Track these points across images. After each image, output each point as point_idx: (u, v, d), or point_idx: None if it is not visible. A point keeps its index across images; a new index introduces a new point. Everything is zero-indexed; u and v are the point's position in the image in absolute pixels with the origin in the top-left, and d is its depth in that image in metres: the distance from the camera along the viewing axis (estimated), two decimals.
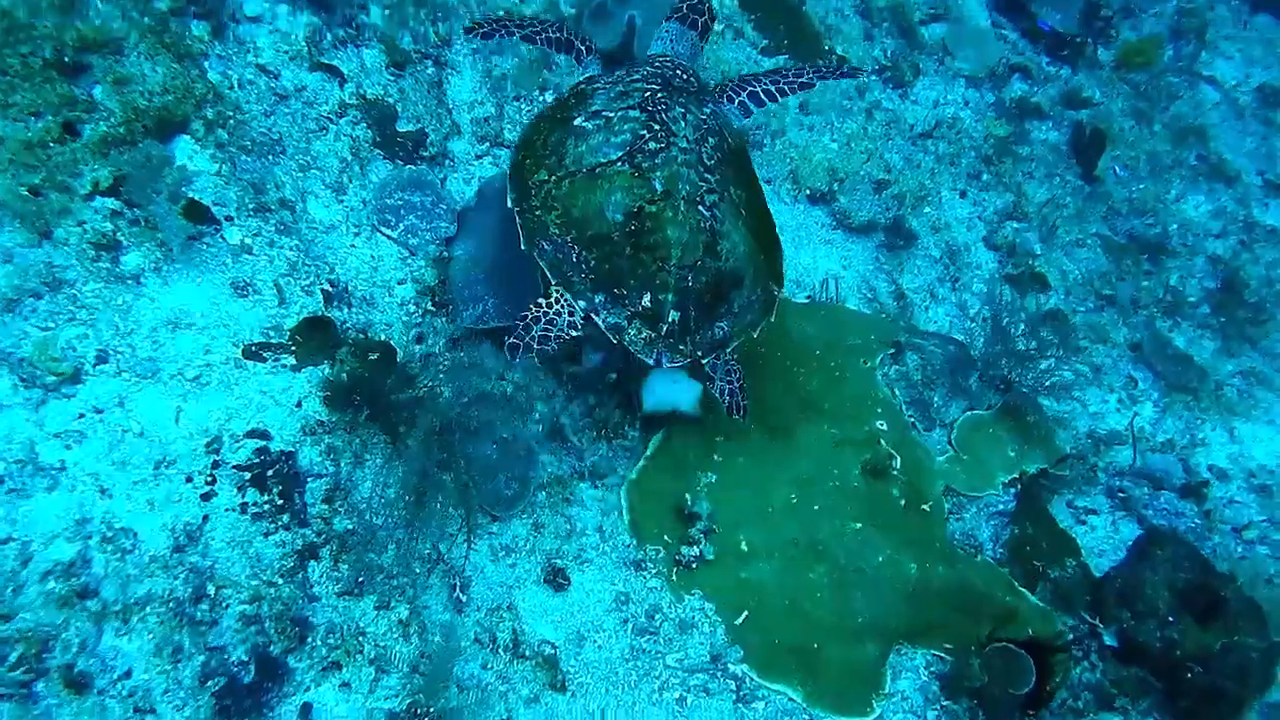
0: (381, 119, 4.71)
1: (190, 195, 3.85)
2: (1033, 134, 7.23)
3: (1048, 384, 5.24)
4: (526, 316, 3.54)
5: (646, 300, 3.51)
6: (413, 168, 4.67)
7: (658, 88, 3.85)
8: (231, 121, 4.16)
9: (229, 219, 3.96)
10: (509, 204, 3.71)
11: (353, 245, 4.34)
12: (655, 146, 3.62)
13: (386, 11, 4.96)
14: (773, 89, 4.42)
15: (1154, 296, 6.64)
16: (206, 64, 4.21)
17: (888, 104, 6.71)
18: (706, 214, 3.60)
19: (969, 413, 5.20)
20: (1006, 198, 6.65)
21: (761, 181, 6.02)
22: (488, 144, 5.08)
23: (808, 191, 6.11)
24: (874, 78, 6.81)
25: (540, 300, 3.60)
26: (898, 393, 5.20)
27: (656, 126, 3.67)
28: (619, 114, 3.73)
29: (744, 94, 4.35)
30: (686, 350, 3.59)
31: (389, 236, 4.45)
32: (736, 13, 6.55)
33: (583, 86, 4.03)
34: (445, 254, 4.51)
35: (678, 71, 4.09)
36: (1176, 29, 9.23)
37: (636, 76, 3.97)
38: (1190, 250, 7.02)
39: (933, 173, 6.49)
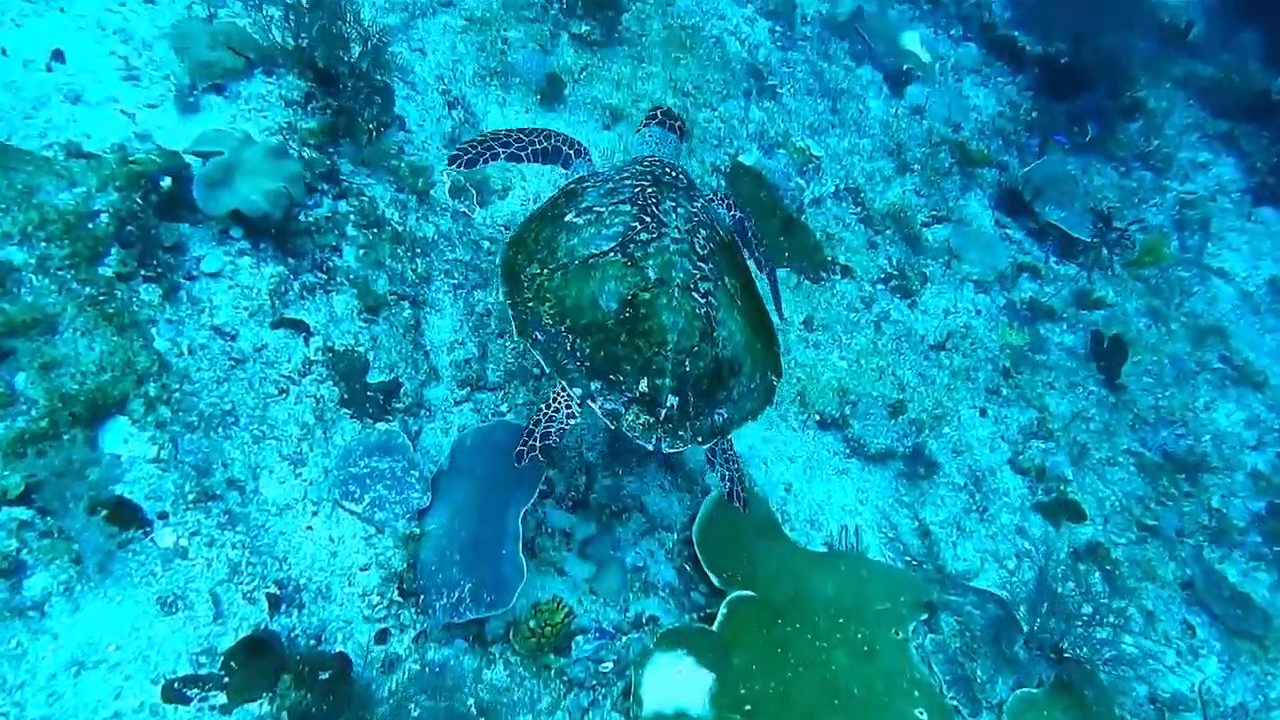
0: (350, 372, 4.26)
1: (118, 493, 3.32)
2: (1048, 339, 6.86)
3: (1107, 656, 4.59)
4: (533, 430, 3.50)
5: (644, 385, 3.40)
6: (383, 428, 4.18)
7: (648, 183, 3.87)
8: (177, 395, 3.69)
9: (163, 516, 3.41)
10: (500, 298, 3.56)
11: (309, 528, 3.79)
12: (647, 237, 3.59)
13: (361, 252, 4.60)
14: (750, 242, 4.44)
15: (1198, 522, 6.08)
16: (154, 330, 3.78)
17: (897, 314, 6.35)
18: (702, 300, 3.52)
19: (1019, 691, 4.53)
20: (1029, 414, 6.19)
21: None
22: (469, 389, 4.62)
23: (817, 416, 5.64)
24: (881, 287, 6.48)
25: (541, 406, 3.54)
26: (936, 669, 4.54)
27: (648, 218, 3.65)
28: (610, 208, 3.71)
29: (736, 213, 4.40)
30: (686, 437, 3.46)
31: (352, 512, 3.90)
32: None
33: (573, 186, 4.02)
34: (417, 529, 3.95)
35: (666, 169, 4.11)
36: (1179, 220, 9.13)
37: (626, 175, 3.97)
38: (1228, 465, 6.53)
39: (949, 389, 6.05)
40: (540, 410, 3.56)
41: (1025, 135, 8.82)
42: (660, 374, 3.41)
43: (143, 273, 3.83)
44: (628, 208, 3.71)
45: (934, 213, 7.40)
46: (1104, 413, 6.50)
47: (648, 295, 3.46)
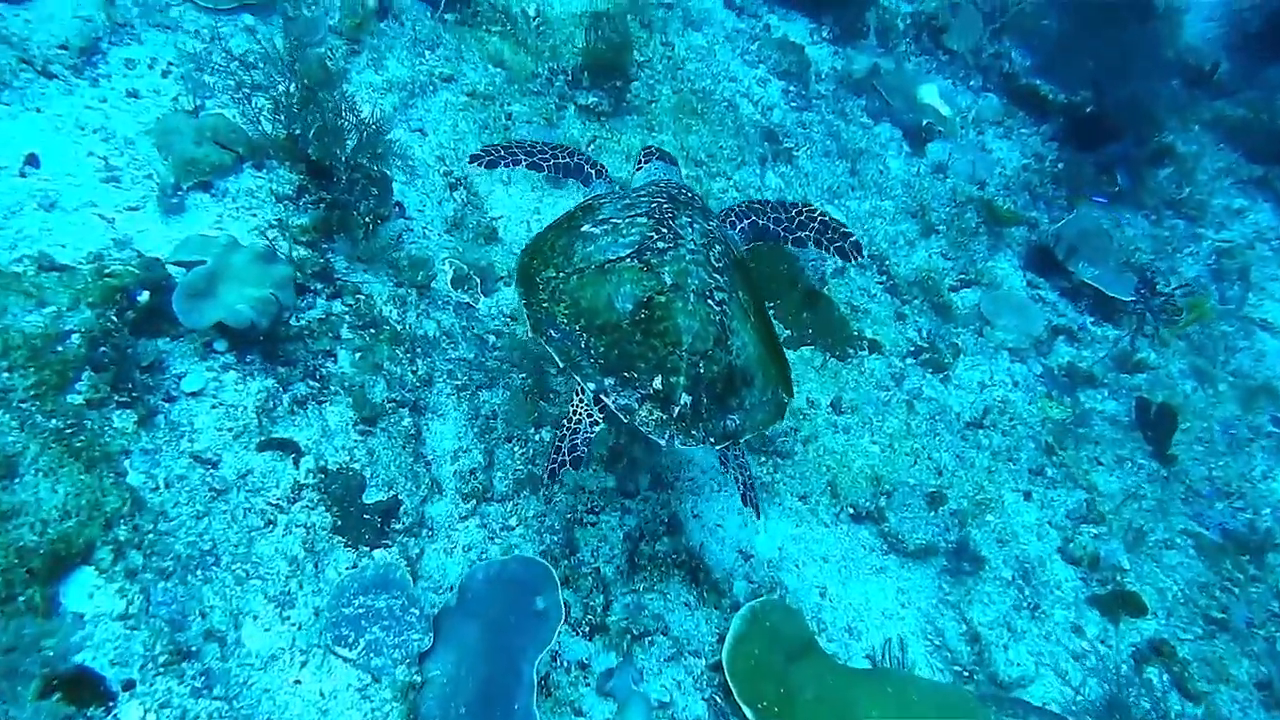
0: (345, 493, 3.90)
1: (78, 663, 2.95)
2: (1091, 409, 6.44)
3: None
4: (560, 445, 3.52)
5: (657, 382, 3.40)
6: (380, 559, 3.81)
7: (664, 200, 3.95)
8: (150, 537, 3.34)
9: (129, 686, 3.04)
10: (516, 299, 3.64)
11: (297, 681, 3.41)
12: (664, 245, 3.64)
13: (357, 355, 4.28)
14: (773, 227, 4.40)
15: (1268, 610, 5.60)
16: (127, 463, 3.45)
17: (929, 391, 5.96)
18: (716, 309, 3.55)
19: None
20: (1077, 495, 5.76)
21: (795, 497, 5.23)
22: (474, 501, 4.26)
23: (851, 509, 5.23)
24: (911, 361, 6.10)
25: (562, 421, 3.57)
26: None
27: (664, 230, 3.71)
28: (627, 220, 3.78)
29: (745, 222, 4.38)
30: (699, 436, 3.44)
31: (346, 659, 3.52)
32: None
33: (590, 201, 4.10)
34: (418, 676, 3.56)
35: (681, 190, 4.22)
36: (1217, 270, 8.74)
37: (643, 193, 4.07)
38: None
39: (990, 472, 5.64)
40: (563, 425, 3.56)
41: (1052, 188, 8.49)
42: (675, 372, 3.40)
43: (116, 398, 3.51)
44: (645, 220, 3.77)
45: (962, 275, 7.04)
46: (1156, 488, 6.06)
47: (663, 298, 3.49)
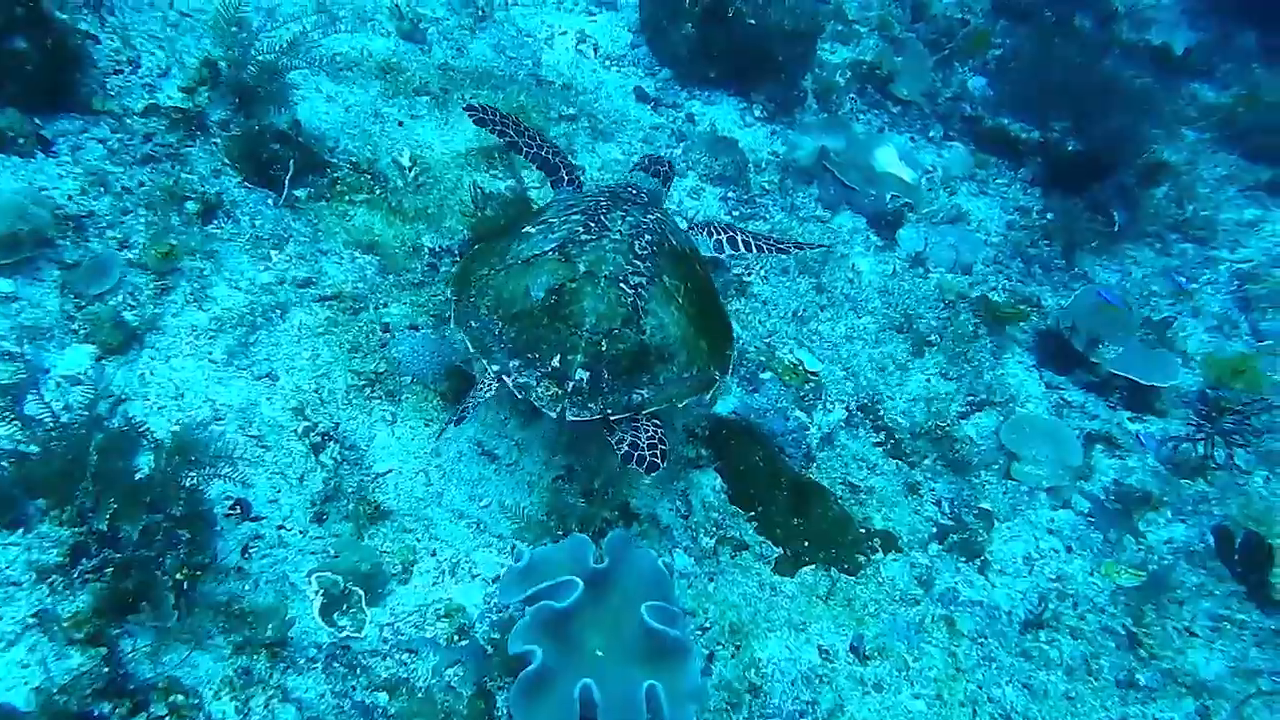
0: None
1: None
2: (1157, 548, 5.19)
3: None
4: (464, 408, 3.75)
5: (556, 361, 3.68)
6: None
7: (604, 200, 4.25)
8: None
9: None
10: (448, 294, 4.22)
11: None
12: (587, 238, 3.93)
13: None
14: (752, 242, 5.00)
15: None
16: None
17: (968, 591, 4.70)
18: (630, 292, 3.80)
19: None
20: (1185, 705, 4.48)
21: None
22: None
23: None
24: (937, 549, 4.83)
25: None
26: None
27: (593, 224, 4.01)
28: (562, 219, 4.10)
29: (723, 235, 4.92)
30: (595, 408, 3.68)
31: None
32: (729, 517, 4.64)
33: (542, 207, 4.52)
34: None
35: (629, 189, 4.55)
36: (1243, 300, 7.59)
37: (590, 194, 4.41)
38: None
39: (1070, 700, 4.36)
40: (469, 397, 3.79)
41: (1046, 246, 7.30)
42: (573, 351, 3.67)
43: None
44: (578, 217, 4.08)
45: (970, 397, 5.81)
46: (1270, 656, 4.80)
47: (574, 285, 3.77)
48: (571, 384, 3.64)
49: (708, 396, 4.20)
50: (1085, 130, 7.63)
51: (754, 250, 4.96)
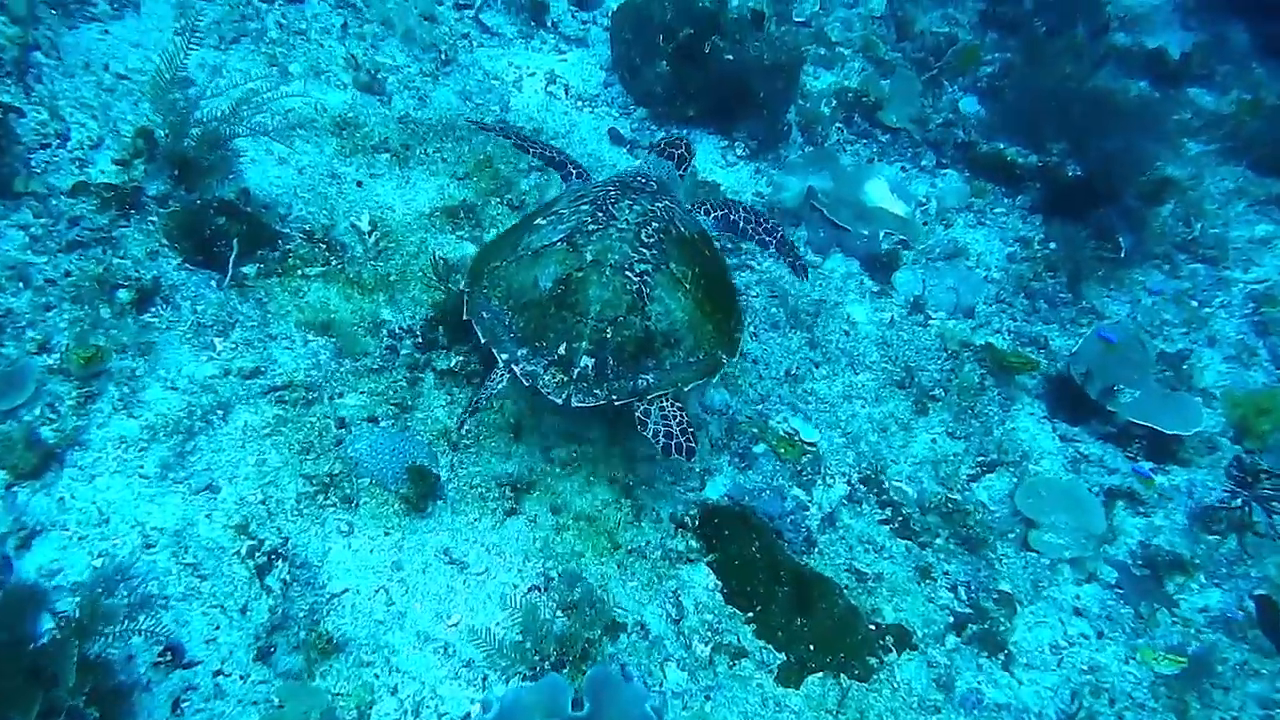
0: None
1: None
2: (1193, 621, 4.77)
3: None
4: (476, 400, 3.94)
5: (562, 349, 3.81)
6: None
7: (613, 189, 4.33)
8: None
9: None
10: (462, 287, 4.34)
11: None
12: (594, 228, 4.03)
13: None
14: (742, 224, 5.01)
15: None
16: None
17: (993, 692, 4.27)
18: (635, 280, 3.89)
19: None
20: None
21: None
22: None
23: None
24: (955, 641, 4.40)
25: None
26: None
27: (601, 214, 4.11)
28: (571, 209, 4.22)
29: (718, 213, 4.97)
30: (601, 395, 3.81)
31: None
32: (724, 618, 4.21)
33: (553, 199, 4.66)
34: None
35: (639, 178, 4.55)
36: (1261, 325, 7.18)
37: (600, 185, 4.48)
38: None
39: None
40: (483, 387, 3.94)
41: (1050, 279, 6.88)
42: (578, 338, 3.80)
43: None
44: (587, 207, 4.15)
45: (980, 458, 5.39)
46: None
47: (580, 274, 3.88)
48: (577, 371, 3.78)
49: (714, 380, 4.33)
50: (1084, 150, 7.21)
51: (750, 238, 5.03)
